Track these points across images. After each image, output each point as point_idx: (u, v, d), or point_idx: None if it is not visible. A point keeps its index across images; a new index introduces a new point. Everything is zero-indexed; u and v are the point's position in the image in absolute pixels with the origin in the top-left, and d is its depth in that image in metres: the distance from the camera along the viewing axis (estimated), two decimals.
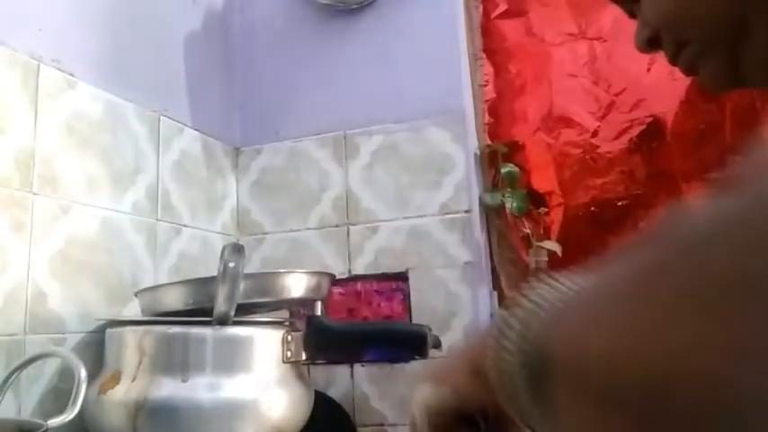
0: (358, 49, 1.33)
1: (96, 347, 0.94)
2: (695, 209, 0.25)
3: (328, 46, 1.36)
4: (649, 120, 1.23)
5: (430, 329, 0.93)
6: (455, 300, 1.18)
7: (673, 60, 0.49)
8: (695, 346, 0.20)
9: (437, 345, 0.94)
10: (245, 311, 0.90)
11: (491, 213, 1.27)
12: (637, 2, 0.50)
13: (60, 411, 0.76)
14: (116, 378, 0.86)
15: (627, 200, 1.23)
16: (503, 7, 1.36)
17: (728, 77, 0.47)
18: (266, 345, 0.90)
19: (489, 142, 1.31)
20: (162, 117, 1.18)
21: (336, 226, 1.28)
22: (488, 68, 1.35)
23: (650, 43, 0.50)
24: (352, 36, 1.34)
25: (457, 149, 1.22)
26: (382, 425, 1.18)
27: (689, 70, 0.49)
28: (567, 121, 1.29)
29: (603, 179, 1.25)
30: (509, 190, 1.23)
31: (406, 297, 1.21)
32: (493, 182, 1.27)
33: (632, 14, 0.53)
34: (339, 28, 1.35)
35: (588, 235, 1.24)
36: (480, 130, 1.31)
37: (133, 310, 1.06)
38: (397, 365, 1.18)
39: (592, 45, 1.30)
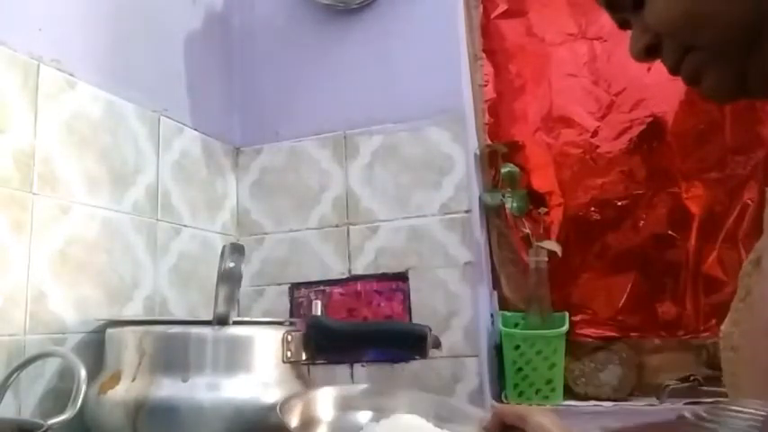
0: (358, 49, 1.33)
1: (96, 347, 0.94)
2: None
3: (328, 46, 1.36)
4: (649, 120, 1.23)
5: (430, 329, 0.93)
6: (455, 300, 1.18)
7: (674, 69, 0.49)
8: None
9: (437, 345, 0.94)
10: None
11: (491, 213, 1.27)
12: (635, 10, 0.49)
13: (60, 411, 0.76)
14: (116, 378, 0.85)
15: (627, 200, 1.23)
16: (503, 7, 1.36)
17: (733, 87, 0.46)
18: (266, 345, 0.89)
19: (489, 142, 1.31)
20: (162, 117, 1.18)
21: (336, 226, 1.28)
22: (488, 68, 1.35)
23: (649, 51, 0.49)
24: (352, 36, 1.34)
25: (457, 149, 1.22)
26: None
27: (691, 79, 0.48)
28: (567, 121, 1.29)
29: (603, 179, 1.25)
30: (509, 190, 1.24)
31: (406, 297, 1.21)
32: (493, 182, 1.27)
33: (624, 24, 0.52)
34: (339, 28, 1.35)
35: (588, 235, 1.25)
36: (480, 130, 1.32)
37: (133, 310, 1.06)
38: (397, 365, 1.18)
39: (592, 45, 1.30)
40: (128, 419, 0.82)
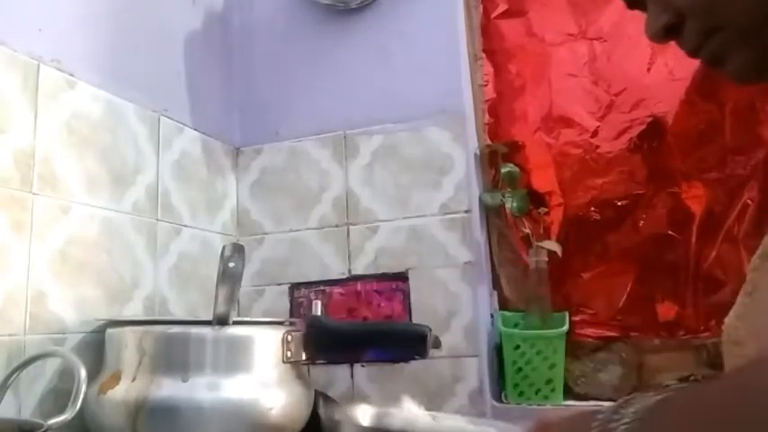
0: (358, 49, 1.33)
1: (96, 347, 0.94)
2: None
3: (328, 46, 1.36)
4: (649, 120, 1.23)
5: (430, 329, 0.93)
6: (455, 300, 1.18)
7: (694, 51, 0.47)
8: None
9: (437, 345, 0.94)
10: None
11: (491, 213, 1.27)
12: None
13: (60, 411, 0.76)
14: (116, 378, 0.86)
15: (627, 200, 1.23)
16: (503, 7, 1.36)
17: (758, 69, 0.45)
18: (266, 345, 0.90)
19: (489, 142, 1.31)
20: (162, 117, 1.18)
21: (336, 226, 1.28)
22: (488, 68, 1.35)
23: (668, 32, 0.47)
24: (352, 36, 1.34)
25: (457, 149, 1.22)
26: None
27: (713, 61, 0.47)
28: (567, 121, 1.29)
29: (603, 179, 1.25)
30: (509, 190, 1.23)
31: (406, 297, 1.21)
32: (493, 182, 1.26)
33: (633, 4, 0.51)
34: (339, 28, 1.35)
35: (588, 235, 1.24)
36: (480, 130, 1.31)
37: (133, 310, 1.06)
38: (396, 365, 1.18)
39: (592, 45, 1.30)
40: (128, 419, 0.82)
